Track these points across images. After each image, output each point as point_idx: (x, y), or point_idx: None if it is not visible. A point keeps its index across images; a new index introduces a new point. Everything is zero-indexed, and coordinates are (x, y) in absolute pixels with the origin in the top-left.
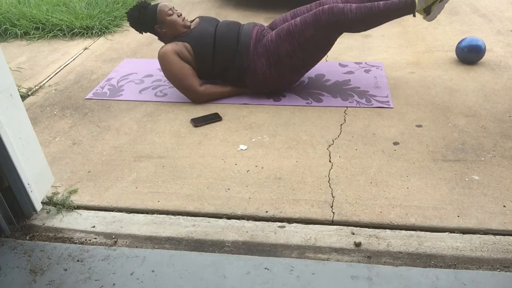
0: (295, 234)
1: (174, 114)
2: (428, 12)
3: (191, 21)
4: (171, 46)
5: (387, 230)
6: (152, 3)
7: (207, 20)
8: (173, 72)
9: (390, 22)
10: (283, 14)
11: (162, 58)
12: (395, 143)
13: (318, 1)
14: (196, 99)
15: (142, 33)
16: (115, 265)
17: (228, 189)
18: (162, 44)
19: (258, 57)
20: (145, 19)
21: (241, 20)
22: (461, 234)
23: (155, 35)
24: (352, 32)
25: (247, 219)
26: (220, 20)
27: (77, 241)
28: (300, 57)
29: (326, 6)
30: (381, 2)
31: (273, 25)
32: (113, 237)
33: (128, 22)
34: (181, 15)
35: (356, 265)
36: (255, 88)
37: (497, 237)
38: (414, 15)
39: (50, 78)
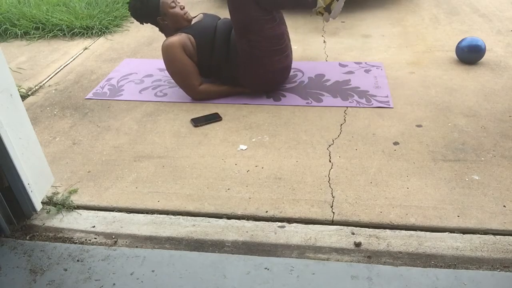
0: (295, 234)
1: (174, 114)
2: (329, 11)
3: (195, 17)
4: (177, 39)
5: (387, 230)
6: None
7: (210, 16)
8: (176, 67)
9: (390, 21)
10: None
11: (167, 51)
12: (395, 143)
13: None
14: (194, 96)
15: (143, 24)
16: (115, 265)
17: (228, 189)
18: (160, 39)
19: (239, 39)
20: (148, 11)
21: None
22: (461, 234)
23: (156, 26)
24: (260, 5)
25: (247, 219)
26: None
27: (77, 241)
28: (262, 43)
29: None
30: None
31: None
32: (113, 237)
33: (130, 12)
34: (183, 8)
35: (356, 265)
36: (250, 84)
37: (497, 237)
38: (317, 14)
39: (50, 78)
